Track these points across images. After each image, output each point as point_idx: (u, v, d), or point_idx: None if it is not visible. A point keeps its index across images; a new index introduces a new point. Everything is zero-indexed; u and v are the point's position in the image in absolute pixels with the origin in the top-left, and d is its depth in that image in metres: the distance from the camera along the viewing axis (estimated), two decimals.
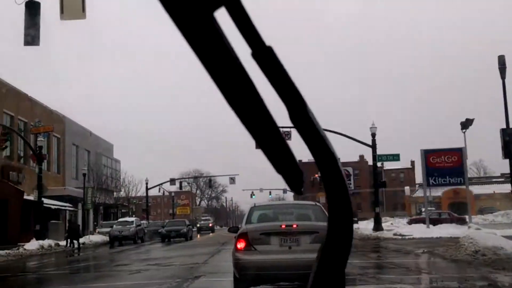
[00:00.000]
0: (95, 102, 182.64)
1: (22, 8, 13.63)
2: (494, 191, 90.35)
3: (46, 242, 31.67)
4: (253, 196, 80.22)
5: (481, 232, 19.09)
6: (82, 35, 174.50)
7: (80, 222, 49.23)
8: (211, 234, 55.96)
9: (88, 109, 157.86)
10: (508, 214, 57.92)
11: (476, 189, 78.76)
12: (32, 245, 29.90)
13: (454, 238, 27.47)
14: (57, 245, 32.86)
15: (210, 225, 66.27)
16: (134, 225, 40.52)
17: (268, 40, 0.87)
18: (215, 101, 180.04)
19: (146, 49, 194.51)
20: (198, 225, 64.88)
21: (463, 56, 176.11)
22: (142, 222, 56.46)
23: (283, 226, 8.92)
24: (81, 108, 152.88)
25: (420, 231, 33.08)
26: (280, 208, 11.24)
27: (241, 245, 8.91)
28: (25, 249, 28.62)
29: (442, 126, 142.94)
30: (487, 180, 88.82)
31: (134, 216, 67.99)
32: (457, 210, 59.69)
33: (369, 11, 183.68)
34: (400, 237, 30.85)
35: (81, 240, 38.61)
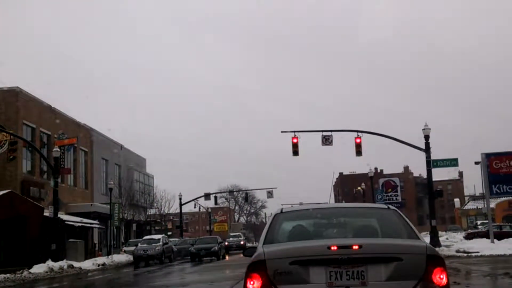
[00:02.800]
0: (131, 116, 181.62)
1: None
2: None
3: (58, 264, 28.16)
4: None
5: None
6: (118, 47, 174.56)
7: (108, 240, 46.08)
8: (241, 255, 42.99)
9: (122, 123, 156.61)
10: None
11: None
12: (40, 267, 26.42)
13: None
14: (71, 267, 29.29)
15: (242, 243, 54.28)
16: (160, 243, 36.85)
17: None
18: (252, 116, 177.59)
19: (183, 63, 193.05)
20: (226, 243, 49.04)
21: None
22: (173, 239, 53.01)
23: (334, 248, 4.81)
24: (115, 122, 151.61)
25: (484, 246, 28.78)
26: (326, 215, 6.42)
27: (254, 284, 4.85)
28: (30, 273, 25.01)
29: (491, 133, 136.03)
30: None
31: (168, 233, 64.73)
32: None
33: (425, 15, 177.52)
34: (465, 254, 26.45)
35: (101, 260, 35.17)
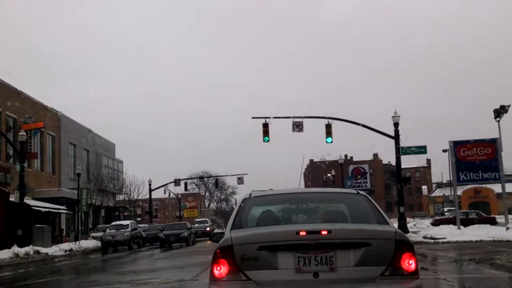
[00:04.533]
0: (98, 101, 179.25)
1: None
2: None
3: (24, 250, 27.61)
4: None
5: None
6: (83, 32, 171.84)
7: (76, 226, 45.49)
8: (208, 242, 37.41)
9: (90, 108, 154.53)
10: None
11: (497, 188, 73.67)
12: (5, 253, 25.84)
13: (499, 242, 23.54)
14: (37, 252, 28.75)
15: (208, 229, 51.34)
16: (129, 229, 36.48)
17: None
18: (221, 99, 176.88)
19: (150, 47, 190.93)
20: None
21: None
22: (143, 225, 52.60)
23: (303, 233, 4.70)
24: (83, 107, 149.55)
25: (451, 233, 29.30)
26: (295, 200, 6.27)
27: (220, 269, 4.73)
28: None
29: (458, 122, 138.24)
30: (509, 178, 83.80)
31: (137, 219, 64.19)
32: (478, 210, 55.15)
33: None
34: (432, 240, 26.87)
35: (68, 246, 34.73)
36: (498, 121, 34.58)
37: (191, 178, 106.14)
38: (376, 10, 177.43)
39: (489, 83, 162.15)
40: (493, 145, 31.65)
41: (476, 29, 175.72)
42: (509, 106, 34.20)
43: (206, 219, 64.35)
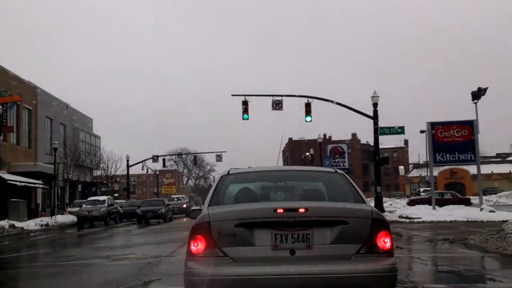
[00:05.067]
0: (76, 75, 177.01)
1: None
2: (492, 171, 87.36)
3: None
4: None
5: None
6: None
7: (52, 200, 45.13)
8: (185, 219, 38.35)
9: (68, 82, 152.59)
10: None
11: (472, 170, 74.67)
12: None
13: (473, 222, 23.96)
14: (13, 226, 28.53)
15: (184, 206, 50.88)
16: (106, 204, 36.24)
17: None
18: (201, 74, 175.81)
19: (130, 21, 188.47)
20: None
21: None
22: (120, 201, 52.40)
23: (281, 211, 4.69)
24: (60, 80, 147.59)
25: (427, 213, 29.79)
26: (273, 177, 6.24)
27: (197, 245, 4.72)
28: None
29: (439, 105, 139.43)
30: (484, 160, 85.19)
31: (114, 195, 63.91)
32: (453, 191, 56.00)
33: None
34: (407, 220, 27.25)
35: (44, 220, 34.50)
36: (476, 103, 34.93)
37: (169, 155, 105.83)
38: None
39: (468, 65, 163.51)
40: (470, 126, 32.00)
41: (455, 12, 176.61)
42: (486, 88, 34.55)
43: (183, 195, 63.83)
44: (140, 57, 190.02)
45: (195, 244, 4.71)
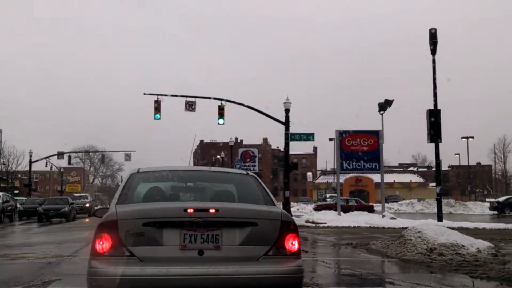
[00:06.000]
0: None
1: None
2: (394, 180, 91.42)
3: None
4: None
5: (429, 224, 15.77)
6: None
7: None
8: (87, 219, 37.20)
9: None
10: (412, 203, 57.34)
11: (376, 178, 77.83)
12: None
13: (375, 228, 24.88)
14: None
15: (87, 205, 47.54)
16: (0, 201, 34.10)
17: None
18: (109, 73, 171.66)
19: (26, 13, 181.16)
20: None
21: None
22: (20, 198, 50.03)
23: (191, 211, 4.62)
24: None
25: (332, 218, 30.57)
26: (184, 177, 6.11)
27: (103, 244, 4.56)
28: None
29: (351, 114, 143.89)
30: (388, 169, 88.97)
31: (15, 191, 60.96)
32: (358, 198, 58.16)
33: None
34: (313, 224, 27.89)
35: None
36: (382, 114, 36.42)
37: (75, 152, 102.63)
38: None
39: (377, 78, 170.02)
40: (376, 136, 33.23)
41: (365, 25, 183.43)
42: (392, 101, 36.10)
43: (86, 194, 61.24)
44: (51, 54, 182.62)
45: (101, 242, 4.54)
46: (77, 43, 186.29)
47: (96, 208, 31.39)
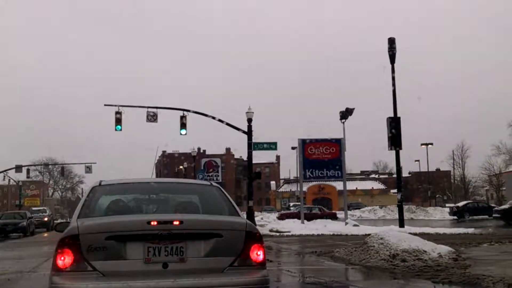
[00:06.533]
0: None
1: None
2: (356, 188, 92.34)
3: None
4: None
5: (391, 230, 15.96)
6: None
7: None
8: (46, 234, 36.23)
9: None
10: (375, 210, 58.03)
11: (339, 186, 78.48)
12: None
13: (339, 236, 25.04)
14: None
15: (46, 219, 45.85)
16: None
17: None
18: (71, 83, 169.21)
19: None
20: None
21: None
22: None
23: (154, 223, 4.56)
24: None
25: (295, 227, 30.70)
26: (147, 189, 6.11)
27: (64, 259, 4.45)
28: None
29: (312, 122, 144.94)
30: (350, 177, 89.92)
31: None
32: (321, 205, 58.59)
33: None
34: (277, 233, 27.88)
35: None
36: (343, 122, 36.84)
37: (34, 165, 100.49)
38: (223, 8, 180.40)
39: (341, 87, 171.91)
40: (338, 145, 33.52)
41: (329, 35, 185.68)
42: (353, 109, 36.56)
43: (45, 208, 59.47)
44: (10, 62, 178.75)
45: (62, 258, 4.44)
46: (34, 52, 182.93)
47: (56, 222, 30.73)
